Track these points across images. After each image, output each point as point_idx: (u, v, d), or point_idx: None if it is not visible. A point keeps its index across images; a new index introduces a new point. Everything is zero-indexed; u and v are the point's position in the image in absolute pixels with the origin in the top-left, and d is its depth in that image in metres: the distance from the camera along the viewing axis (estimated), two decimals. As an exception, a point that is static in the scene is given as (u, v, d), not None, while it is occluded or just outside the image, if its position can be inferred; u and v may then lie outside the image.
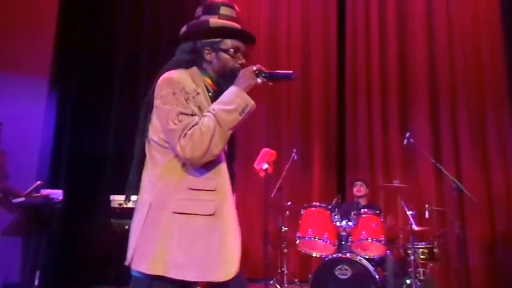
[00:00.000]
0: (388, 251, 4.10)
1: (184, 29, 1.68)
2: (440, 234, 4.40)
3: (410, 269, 3.97)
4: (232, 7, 1.69)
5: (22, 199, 3.87)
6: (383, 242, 3.98)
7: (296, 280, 4.82)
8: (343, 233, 4.16)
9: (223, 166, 1.60)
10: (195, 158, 1.48)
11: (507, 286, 4.96)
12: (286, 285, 4.60)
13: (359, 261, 3.85)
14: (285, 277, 4.61)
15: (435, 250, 4.15)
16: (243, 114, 1.54)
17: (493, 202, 5.25)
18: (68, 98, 5.35)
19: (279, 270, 4.65)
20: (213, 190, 1.54)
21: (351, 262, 3.86)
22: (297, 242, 4.18)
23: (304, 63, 6.11)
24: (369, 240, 4.00)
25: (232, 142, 1.66)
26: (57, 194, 4.10)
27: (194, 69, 1.65)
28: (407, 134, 4.49)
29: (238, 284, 1.56)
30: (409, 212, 4.07)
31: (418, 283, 3.95)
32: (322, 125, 6.00)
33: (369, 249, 4.08)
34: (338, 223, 4.15)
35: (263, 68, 1.62)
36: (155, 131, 1.57)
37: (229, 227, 1.55)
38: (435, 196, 5.39)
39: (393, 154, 5.69)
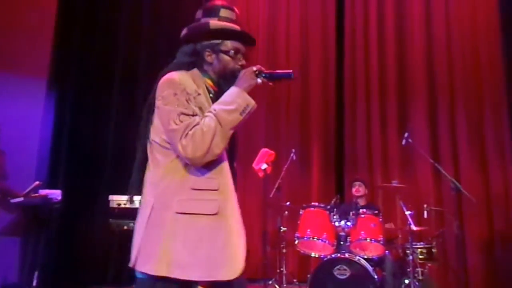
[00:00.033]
0: (386, 251, 4.10)
1: (184, 31, 1.70)
2: (438, 234, 4.41)
3: (408, 269, 3.97)
4: (232, 9, 1.71)
5: (21, 199, 3.86)
6: (381, 242, 3.99)
7: (295, 280, 4.82)
8: (342, 233, 4.17)
9: (225, 166, 1.60)
10: (196, 158, 1.49)
11: (505, 286, 4.97)
12: (285, 285, 4.60)
13: (357, 261, 3.86)
14: (284, 277, 4.61)
15: (433, 250, 4.16)
16: (244, 114, 1.55)
17: (491, 202, 5.26)
18: (66, 98, 5.34)
19: (278, 270, 4.65)
20: (216, 190, 1.55)
21: (349, 262, 3.86)
22: (296, 242, 4.18)
23: (303, 64, 6.12)
24: (368, 240, 4.00)
25: (233, 142, 1.67)
26: (56, 194, 4.09)
27: (195, 70, 1.66)
28: (406, 134, 4.50)
29: (238, 284, 1.56)
30: (407, 212, 4.08)
31: (417, 283, 3.96)
32: (321, 125, 6.00)
33: (368, 249, 4.08)
34: (336, 223, 4.16)
35: (263, 69, 1.64)
36: (156, 132, 1.58)
37: (233, 226, 1.56)
38: (433, 196, 5.40)
39: (391, 154, 5.70)
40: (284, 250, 4.65)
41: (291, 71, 1.67)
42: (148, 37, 5.75)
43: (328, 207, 4.24)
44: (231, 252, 1.52)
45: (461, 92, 5.63)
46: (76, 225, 4.89)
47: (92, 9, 5.61)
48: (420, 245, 4.16)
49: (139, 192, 1.63)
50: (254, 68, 1.62)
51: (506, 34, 5.44)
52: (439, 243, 4.46)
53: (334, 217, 4.18)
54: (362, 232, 4.02)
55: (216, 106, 1.55)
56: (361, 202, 4.67)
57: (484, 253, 5.20)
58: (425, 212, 4.32)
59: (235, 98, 1.56)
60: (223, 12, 1.68)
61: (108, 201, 4.17)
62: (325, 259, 3.95)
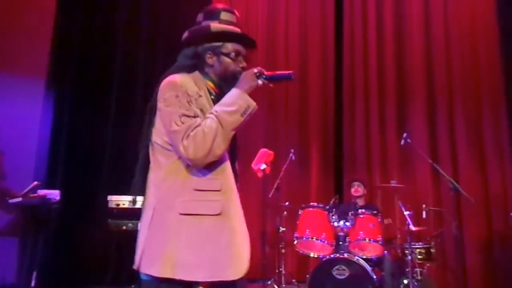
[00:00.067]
0: (385, 251, 4.11)
1: (186, 34, 1.71)
2: (437, 234, 4.41)
3: (407, 269, 3.98)
4: (232, 12, 1.73)
5: (19, 199, 3.86)
6: (380, 242, 3.99)
7: (293, 280, 4.82)
8: (341, 234, 4.17)
9: (227, 166, 1.62)
10: (198, 159, 1.50)
11: (504, 285, 4.98)
12: (283, 285, 4.60)
13: (356, 261, 3.86)
14: (282, 277, 4.61)
15: (432, 250, 4.16)
16: (245, 115, 1.57)
17: (490, 202, 5.27)
18: (65, 98, 5.34)
19: (277, 271, 4.65)
20: (219, 190, 1.56)
21: (348, 262, 3.87)
22: (295, 242, 4.18)
23: (302, 64, 6.12)
24: (367, 240, 4.01)
25: (234, 142, 1.68)
26: (54, 194, 4.09)
27: (196, 73, 1.68)
28: (404, 135, 4.50)
29: (239, 284, 1.57)
30: (406, 212, 4.08)
31: (415, 283, 3.96)
32: (319, 126, 6.00)
33: (367, 249, 4.09)
34: (335, 224, 4.16)
35: (264, 71, 1.65)
36: (158, 134, 1.59)
37: (237, 227, 1.57)
38: (432, 196, 5.41)
39: (390, 154, 5.70)
40: (283, 250, 4.65)
41: (291, 72, 1.69)
42: (146, 37, 5.74)
43: (327, 207, 4.25)
44: (236, 252, 1.53)
45: (460, 93, 5.64)
46: (75, 225, 4.88)
47: (90, 9, 5.61)
48: (419, 245, 4.17)
49: (141, 193, 1.64)
50: (255, 70, 1.64)
51: (504, 34, 5.46)
52: (438, 243, 4.47)
53: (333, 217, 4.18)
54: (361, 232, 4.03)
55: (218, 107, 1.57)
56: (360, 202, 4.68)
57: (482, 253, 5.21)
58: (424, 212, 4.32)
59: (236, 100, 1.57)
60: (224, 15, 1.70)
61: (107, 201, 4.17)
62: (324, 259, 3.95)
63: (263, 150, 4.36)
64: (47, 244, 4.53)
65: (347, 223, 4.14)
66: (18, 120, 4.74)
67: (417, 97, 5.78)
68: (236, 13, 1.75)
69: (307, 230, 4.11)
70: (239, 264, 1.53)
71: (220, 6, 1.74)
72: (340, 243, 4.14)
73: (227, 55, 1.67)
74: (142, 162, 1.65)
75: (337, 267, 3.86)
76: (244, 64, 1.71)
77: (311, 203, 4.48)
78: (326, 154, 5.94)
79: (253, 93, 1.63)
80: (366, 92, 5.94)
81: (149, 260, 1.51)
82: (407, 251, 4.02)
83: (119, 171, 5.05)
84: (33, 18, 5.05)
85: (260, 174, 4.23)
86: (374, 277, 3.82)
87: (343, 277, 3.84)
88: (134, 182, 1.66)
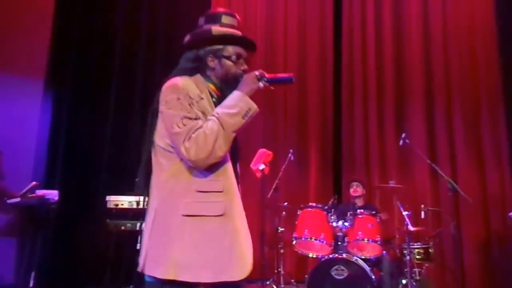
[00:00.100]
0: (384, 252, 4.12)
1: (187, 38, 1.73)
2: (435, 234, 4.42)
3: (406, 269, 3.99)
4: (233, 16, 1.75)
5: (18, 199, 3.86)
6: (379, 243, 4.00)
7: (292, 280, 4.83)
8: (340, 234, 4.18)
9: (229, 167, 1.63)
10: (199, 160, 1.51)
11: (502, 286, 4.99)
12: (282, 286, 4.61)
13: (355, 262, 3.86)
14: (281, 278, 4.62)
15: (430, 250, 4.17)
16: (246, 118, 1.59)
17: (488, 202, 5.28)
18: (63, 99, 5.33)
19: (276, 271, 4.66)
20: (221, 192, 1.57)
21: (347, 263, 3.87)
22: (294, 242, 4.19)
23: (301, 64, 6.12)
24: (365, 241, 4.02)
25: (235, 143, 1.69)
26: (53, 194, 4.09)
27: (198, 76, 1.69)
28: (403, 135, 4.51)
29: (242, 285, 1.58)
30: (404, 213, 4.09)
31: (414, 283, 3.97)
32: (318, 126, 6.00)
33: (365, 249, 4.09)
34: (334, 224, 4.17)
35: (265, 73, 1.67)
36: (160, 136, 1.60)
37: (240, 227, 1.58)
38: (430, 197, 5.42)
39: (389, 154, 5.71)
40: (281, 251, 4.66)
41: (292, 74, 1.73)
42: (145, 38, 5.73)
43: (326, 207, 4.25)
44: (239, 252, 1.54)
45: (458, 93, 5.65)
46: (73, 225, 4.87)
47: (89, 9, 5.60)
48: (417, 245, 4.18)
49: (144, 193, 1.66)
50: (256, 73, 1.66)
51: (502, 34, 5.47)
52: (436, 243, 4.48)
53: (332, 217, 4.19)
54: (360, 232, 4.03)
55: (219, 109, 1.58)
56: (359, 202, 4.68)
57: (481, 253, 5.22)
58: (422, 213, 4.34)
59: (237, 102, 1.59)
60: (225, 19, 1.72)
61: (105, 202, 4.16)
62: (323, 259, 3.96)
63: (261, 150, 4.36)
64: (45, 244, 4.53)
65: (346, 223, 4.14)
66: (16, 120, 4.74)
67: (416, 97, 5.79)
68: (237, 16, 1.77)
69: (306, 230, 4.12)
70: (242, 264, 1.54)
71: (221, 9, 1.77)
72: (339, 243, 4.15)
73: (228, 58, 1.69)
74: (145, 164, 1.66)
75: (335, 267, 3.86)
76: (245, 66, 1.72)
77: (310, 203, 4.49)
78: (325, 155, 5.94)
79: (254, 95, 1.64)
80: (365, 93, 5.95)
81: (153, 262, 1.52)
82: (405, 251, 4.03)
83: (117, 171, 5.04)
84: (31, 18, 5.05)
85: (258, 175, 4.22)
86: (373, 277, 3.83)
87: (341, 277, 3.85)
88: (137, 183, 1.68)
